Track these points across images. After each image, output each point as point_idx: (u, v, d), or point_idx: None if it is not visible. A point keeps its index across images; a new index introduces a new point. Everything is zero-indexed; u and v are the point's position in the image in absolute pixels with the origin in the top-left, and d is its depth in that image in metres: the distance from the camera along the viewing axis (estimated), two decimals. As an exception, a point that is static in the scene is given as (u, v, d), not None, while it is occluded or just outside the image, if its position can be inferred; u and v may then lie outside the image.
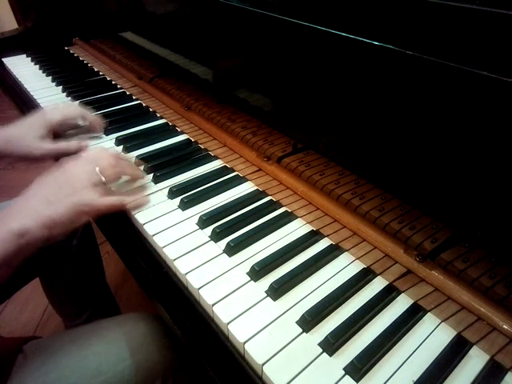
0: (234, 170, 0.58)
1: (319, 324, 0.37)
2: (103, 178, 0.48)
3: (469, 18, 0.30)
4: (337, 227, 0.48)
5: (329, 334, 0.35)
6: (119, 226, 0.52)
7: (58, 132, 0.63)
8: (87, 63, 0.99)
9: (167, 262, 0.44)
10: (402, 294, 0.40)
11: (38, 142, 0.58)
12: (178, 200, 0.51)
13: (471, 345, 0.36)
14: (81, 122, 0.65)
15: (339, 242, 0.46)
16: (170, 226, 0.47)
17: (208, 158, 0.61)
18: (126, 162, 0.53)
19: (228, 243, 0.44)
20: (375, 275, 0.42)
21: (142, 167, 0.58)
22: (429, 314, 0.38)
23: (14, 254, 0.40)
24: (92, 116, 0.66)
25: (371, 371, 0.33)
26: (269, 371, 0.32)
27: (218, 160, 0.61)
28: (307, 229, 0.48)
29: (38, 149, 0.58)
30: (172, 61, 0.78)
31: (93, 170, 0.48)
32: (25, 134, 0.58)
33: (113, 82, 0.88)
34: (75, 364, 0.49)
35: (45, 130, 0.60)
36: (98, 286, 0.93)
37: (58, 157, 0.61)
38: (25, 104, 0.82)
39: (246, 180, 0.56)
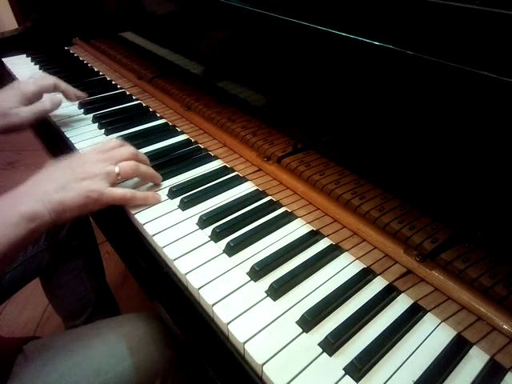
0: (234, 170, 0.58)
1: (319, 324, 0.37)
2: (117, 169, 0.47)
3: (469, 18, 0.30)
4: (337, 227, 0.48)
5: (329, 334, 0.35)
6: (119, 226, 0.52)
7: (34, 102, 0.64)
8: (87, 63, 0.99)
9: (167, 262, 0.44)
10: (402, 293, 0.40)
11: (13, 110, 0.59)
12: (177, 200, 0.51)
13: (471, 345, 0.36)
14: (55, 93, 0.67)
15: (339, 242, 0.46)
16: (170, 226, 0.47)
17: (208, 158, 0.61)
18: (142, 159, 0.53)
19: (228, 243, 0.44)
20: (375, 275, 0.42)
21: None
22: (429, 313, 0.38)
23: (25, 237, 0.39)
24: (66, 85, 0.68)
25: (371, 371, 0.33)
26: (269, 371, 0.32)
27: (218, 160, 0.61)
28: (307, 229, 0.48)
29: (16, 115, 0.59)
30: (172, 61, 0.77)
31: (108, 159, 0.48)
32: (1, 105, 0.59)
33: (113, 82, 0.88)
34: (75, 364, 0.49)
35: (21, 100, 0.61)
36: (98, 286, 0.93)
37: (36, 120, 0.63)
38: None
39: (246, 180, 0.56)
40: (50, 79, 0.66)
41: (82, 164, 0.46)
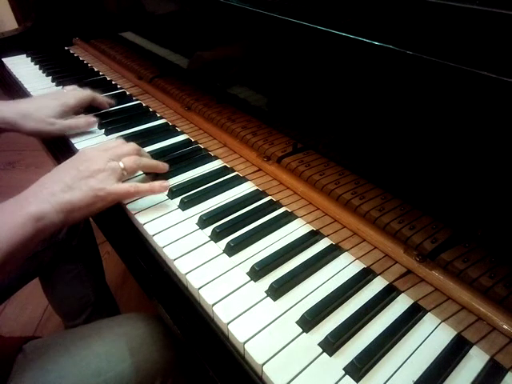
0: (234, 170, 0.58)
1: (319, 324, 0.37)
2: (121, 165, 0.48)
3: (469, 18, 0.30)
4: (337, 227, 0.48)
5: (329, 334, 0.35)
6: (119, 226, 0.52)
7: (70, 114, 0.67)
8: (87, 63, 0.99)
9: (167, 262, 0.44)
10: (402, 293, 0.40)
11: (51, 119, 0.62)
12: (177, 200, 0.51)
13: (471, 345, 0.36)
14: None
15: (339, 242, 0.46)
16: (170, 226, 0.47)
17: (208, 158, 0.61)
18: (145, 154, 0.54)
19: (228, 243, 0.44)
20: (375, 275, 0.42)
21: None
22: (429, 313, 0.38)
23: (32, 237, 0.40)
24: (101, 97, 0.73)
25: (371, 371, 0.33)
26: (269, 371, 0.32)
27: (218, 160, 0.61)
28: (307, 229, 0.48)
29: (51, 125, 0.62)
30: (172, 61, 0.77)
31: (111, 155, 0.48)
32: (41, 110, 0.62)
33: (113, 82, 0.88)
34: (75, 364, 0.49)
35: (59, 112, 0.63)
36: (98, 285, 0.92)
37: (67, 133, 0.65)
38: (25, 104, 0.81)
39: (246, 180, 0.56)
40: (88, 93, 0.69)
41: (86, 162, 0.47)
